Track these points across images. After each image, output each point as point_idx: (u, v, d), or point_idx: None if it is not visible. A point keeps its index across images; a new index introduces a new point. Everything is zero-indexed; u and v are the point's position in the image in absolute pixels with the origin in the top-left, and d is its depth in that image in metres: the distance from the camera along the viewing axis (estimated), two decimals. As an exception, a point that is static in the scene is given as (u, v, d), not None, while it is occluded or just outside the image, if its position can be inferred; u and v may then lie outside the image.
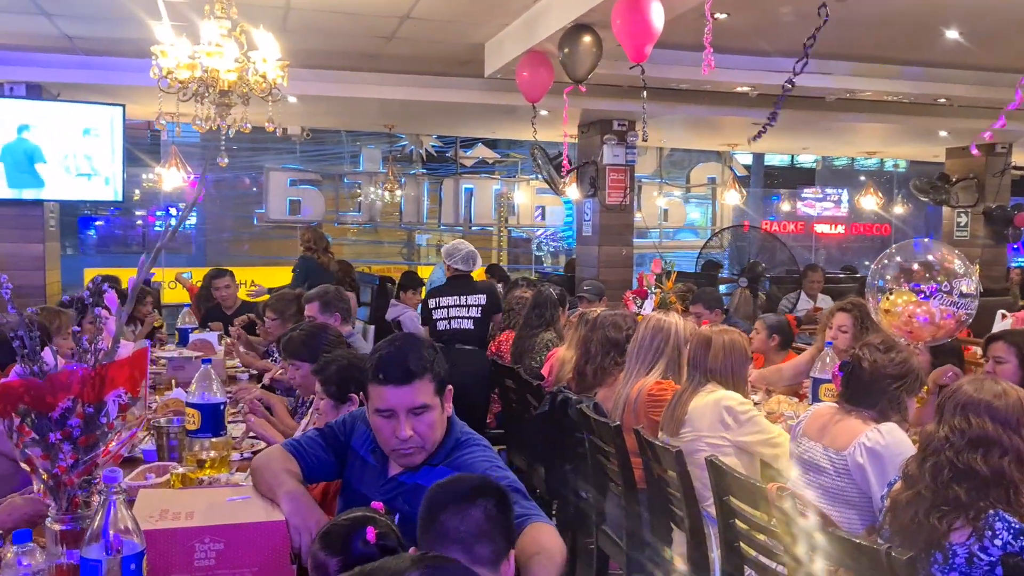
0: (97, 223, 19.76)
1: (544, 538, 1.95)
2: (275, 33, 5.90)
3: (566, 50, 4.77)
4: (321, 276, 7.47)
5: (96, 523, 1.76)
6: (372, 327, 8.52)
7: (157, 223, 21.68)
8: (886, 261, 3.74)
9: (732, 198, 10.92)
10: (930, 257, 3.64)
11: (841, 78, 6.66)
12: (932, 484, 2.23)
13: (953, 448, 2.21)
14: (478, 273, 9.12)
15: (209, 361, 3.24)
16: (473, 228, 11.31)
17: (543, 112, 8.10)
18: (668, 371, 3.75)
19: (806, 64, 3.42)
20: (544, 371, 4.91)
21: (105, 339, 1.94)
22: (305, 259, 7.67)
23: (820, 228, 20.10)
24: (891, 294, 3.67)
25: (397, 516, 2.27)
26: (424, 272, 8.99)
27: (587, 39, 4.75)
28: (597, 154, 8.40)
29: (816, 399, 3.89)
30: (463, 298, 5.43)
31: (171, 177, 8.43)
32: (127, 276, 9.30)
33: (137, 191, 16.35)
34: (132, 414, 1.99)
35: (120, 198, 6.96)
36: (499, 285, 7.37)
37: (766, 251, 11.17)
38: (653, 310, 5.65)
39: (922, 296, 3.57)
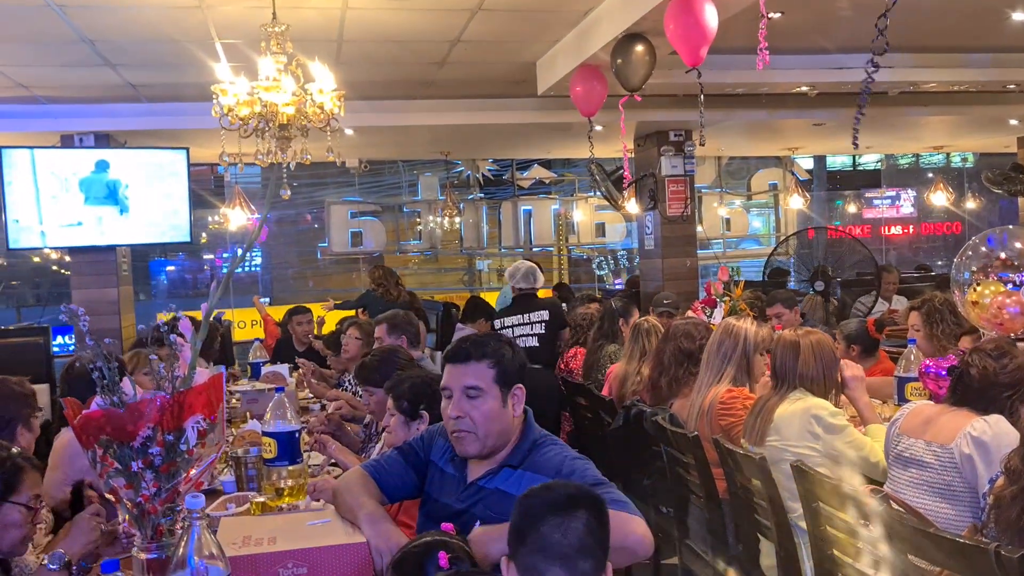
0: (168, 268, 20.31)
1: (629, 527, 1.95)
2: (330, 66, 6.02)
3: (619, 60, 4.73)
4: (384, 309, 7.55)
5: (181, 550, 1.76)
6: (439, 353, 8.56)
7: (224, 265, 22.11)
8: (970, 252, 3.59)
9: (796, 203, 10.69)
10: (1018, 244, 3.48)
11: (903, 71, 6.48)
12: None
13: None
14: (544, 292, 9.09)
15: (283, 389, 3.25)
16: (534, 249, 11.28)
17: (597, 127, 8.06)
18: (737, 378, 3.65)
19: (885, 50, 3.26)
20: (604, 391, 4.83)
21: (181, 366, 1.95)
22: (368, 292, 7.78)
23: (890, 230, 19.60)
24: (978, 285, 3.52)
25: (477, 523, 2.24)
26: (489, 297, 8.98)
27: (640, 48, 4.70)
28: (655, 166, 8.32)
29: (902, 399, 3.75)
30: (526, 316, 5.39)
31: (236, 217, 8.60)
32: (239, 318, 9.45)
33: (204, 234, 16.75)
34: (211, 440, 2.00)
35: (189, 239, 7.12)
36: (563, 304, 7.35)
37: (833, 255, 10.91)
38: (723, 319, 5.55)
39: (1011, 286, 3.42)
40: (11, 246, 6.62)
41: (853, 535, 2.74)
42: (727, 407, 3.56)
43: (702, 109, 4.11)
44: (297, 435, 3.20)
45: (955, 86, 6.92)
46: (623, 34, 4.73)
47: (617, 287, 12.74)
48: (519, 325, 5.40)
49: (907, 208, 19.53)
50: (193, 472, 1.97)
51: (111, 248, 6.97)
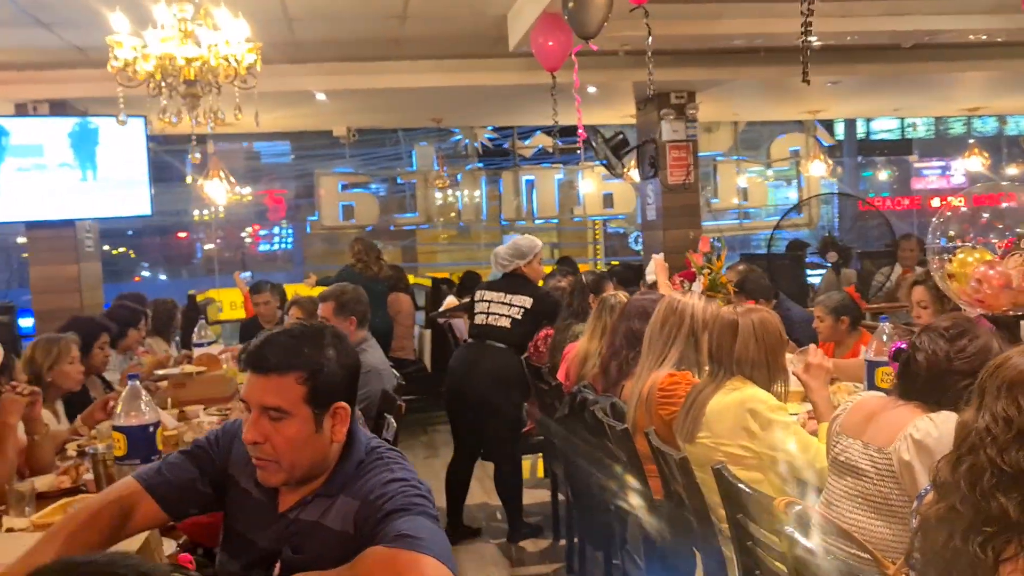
0: (207, 247, 20.19)
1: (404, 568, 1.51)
2: (280, 23, 5.59)
3: (571, 4, 4.22)
4: (364, 286, 7.12)
5: None
6: (428, 331, 8.13)
7: (262, 243, 22.02)
8: (949, 213, 3.02)
9: (817, 169, 9.99)
10: (1004, 204, 2.90)
11: (916, 18, 5.82)
12: (970, 494, 1.59)
13: (996, 444, 1.56)
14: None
15: (136, 377, 2.85)
16: (536, 221, 10.77)
17: (591, 88, 7.52)
18: (682, 362, 3.16)
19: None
20: (560, 375, 4.36)
21: None
22: (347, 268, 7.35)
23: (939, 201, 18.63)
24: (958, 253, 2.96)
25: (278, 567, 1.81)
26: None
27: (596, -11, 4.18)
28: (655, 131, 7.77)
29: (872, 386, 3.22)
30: (508, 296, 4.89)
31: (215, 189, 8.25)
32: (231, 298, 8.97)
33: (220, 209, 16.42)
34: None
35: (150, 212, 6.77)
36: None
37: (859, 227, 10.24)
38: (702, 294, 5.04)
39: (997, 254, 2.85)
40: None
41: (778, 557, 2.25)
42: (667, 394, 3.07)
43: (650, 54, 3.59)
44: (152, 430, 2.81)
45: (976, 35, 6.22)
46: (576, -28, 4.21)
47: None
48: (497, 302, 4.92)
49: (958, 179, 18.58)
50: None
51: (69, 223, 6.65)
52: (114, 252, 20.19)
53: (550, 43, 4.86)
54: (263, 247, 21.96)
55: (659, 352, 3.22)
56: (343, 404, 1.79)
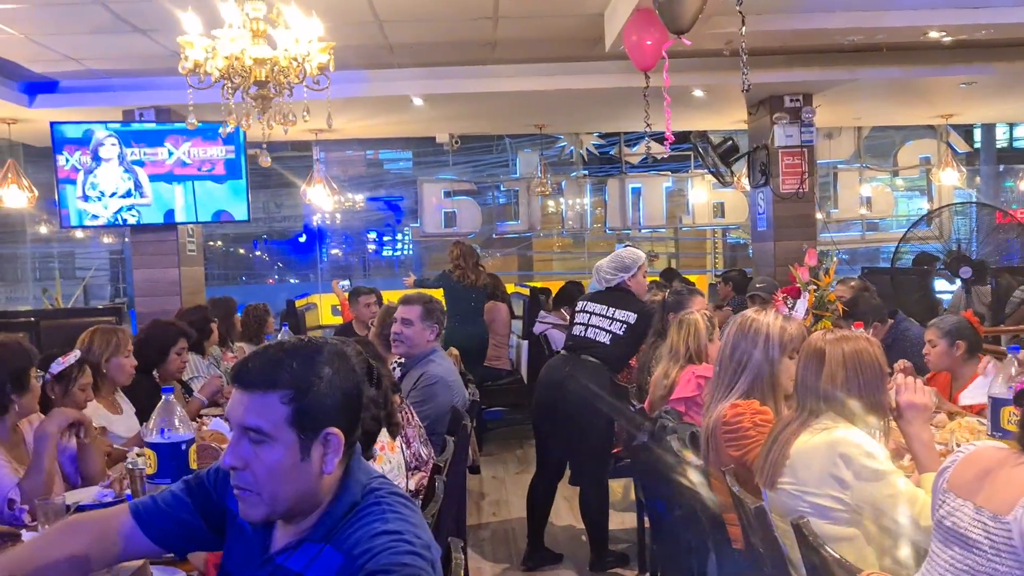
0: (334, 251, 20.72)
1: None
2: (371, 25, 5.48)
3: (663, -4, 3.91)
4: (460, 293, 6.96)
5: None
6: (525, 342, 7.88)
7: (383, 249, 22.33)
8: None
9: (949, 178, 9.23)
10: None
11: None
12: None
13: None
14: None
15: (171, 390, 2.71)
16: (643, 231, 10.36)
17: (697, 92, 7.14)
18: (753, 391, 2.78)
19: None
20: (646, 403, 4.02)
21: None
22: (445, 274, 7.20)
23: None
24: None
25: None
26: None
27: (689, -21, 3.85)
28: (767, 137, 7.31)
29: (998, 428, 2.76)
30: (611, 309, 4.53)
31: (318, 196, 8.27)
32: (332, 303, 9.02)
33: (338, 215, 16.78)
34: None
35: (247, 217, 6.78)
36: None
37: (997, 241, 9.38)
38: (807, 312, 4.60)
39: None
40: (72, 223, 6.54)
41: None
42: (733, 430, 2.70)
43: (743, 44, 3.24)
44: (184, 448, 2.65)
45: None
46: (669, -38, 3.90)
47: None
48: (598, 315, 4.57)
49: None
50: None
51: (171, 226, 6.75)
52: (250, 256, 21.04)
53: (646, 41, 4.53)
54: (385, 253, 22.30)
55: (729, 382, 2.85)
56: (336, 431, 1.58)
